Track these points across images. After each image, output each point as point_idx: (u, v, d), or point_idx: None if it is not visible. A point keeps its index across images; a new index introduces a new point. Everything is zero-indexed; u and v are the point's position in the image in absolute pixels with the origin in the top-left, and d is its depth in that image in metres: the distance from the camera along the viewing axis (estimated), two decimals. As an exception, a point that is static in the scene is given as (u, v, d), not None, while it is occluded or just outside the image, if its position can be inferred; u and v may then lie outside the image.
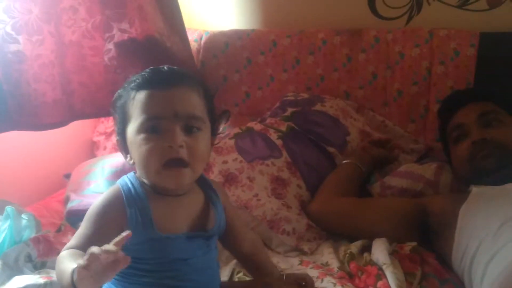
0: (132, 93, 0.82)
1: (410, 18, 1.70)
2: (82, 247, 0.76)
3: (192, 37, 1.86)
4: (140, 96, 0.81)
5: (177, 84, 0.82)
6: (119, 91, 0.85)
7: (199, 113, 0.83)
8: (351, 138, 1.53)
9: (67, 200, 1.40)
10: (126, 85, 0.84)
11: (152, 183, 0.83)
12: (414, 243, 1.16)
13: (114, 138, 1.73)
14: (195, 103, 0.83)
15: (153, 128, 0.79)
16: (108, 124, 1.83)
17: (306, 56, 1.75)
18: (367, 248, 1.19)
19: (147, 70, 0.84)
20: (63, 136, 1.50)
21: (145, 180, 0.84)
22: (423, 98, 1.63)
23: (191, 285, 0.85)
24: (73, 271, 0.67)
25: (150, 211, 0.81)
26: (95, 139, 1.83)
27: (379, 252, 1.13)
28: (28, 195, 1.51)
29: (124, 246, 0.75)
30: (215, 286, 0.91)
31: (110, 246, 0.65)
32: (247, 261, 1.01)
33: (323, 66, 1.73)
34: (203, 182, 0.91)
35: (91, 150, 1.83)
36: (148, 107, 0.80)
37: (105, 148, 1.77)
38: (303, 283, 1.00)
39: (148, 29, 1.61)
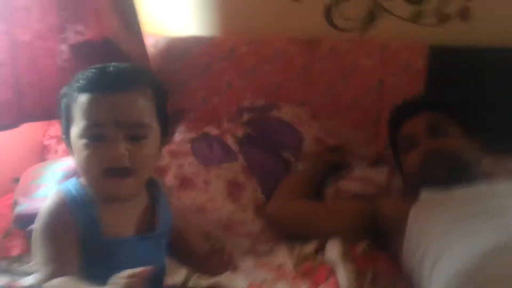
0: (75, 94, 0.78)
1: (364, 30, 1.75)
2: (64, 269, 0.74)
3: (148, 42, 1.85)
4: (82, 100, 0.77)
5: (122, 89, 0.78)
6: (64, 88, 0.82)
7: (145, 119, 0.80)
8: (306, 143, 1.55)
9: (15, 204, 1.35)
10: (71, 84, 0.81)
11: (94, 188, 0.80)
12: (366, 243, 1.20)
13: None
14: (140, 109, 0.79)
15: (94, 135, 0.77)
16: (59, 127, 1.78)
17: (264, 64, 1.77)
18: (321, 248, 1.21)
19: (93, 70, 0.80)
20: (12, 139, 1.45)
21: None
22: (375, 107, 1.68)
23: None
24: None
25: (96, 215, 0.79)
26: (46, 142, 1.78)
27: (332, 251, 1.16)
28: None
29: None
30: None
31: (131, 272, 0.67)
32: (187, 256, 1.00)
33: (280, 74, 1.76)
34: (147, 181, 0.88)
35: (42, 154, 1.77)
36: (90, 113, 0.77)
37: (56, 151, 1.73)
38: None
39: (104, 32, 1.59)
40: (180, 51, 1.84)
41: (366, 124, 1.69)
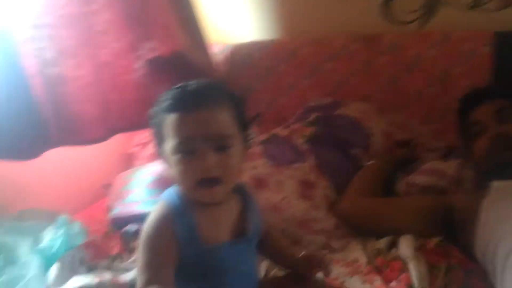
0: (163, 115, 0.85)
1: (424, 22, 1.75)
2: (159, 279, 0.82)
3: (214, 50, 1.94)
4: (171, 120, 0.83)
5: (204, 105, 0.83)
6: (153, 109, 0.89)
7: (229, 130, 0.85)
8: (374, 139, 1.57)
9: (109, 208, 1.50)
10: (158, 104, 0.87)
11: (190, 196, 0.87)
12: (439, 238, 1.21)
13: (152, 149, 1.83)
14: (224, 122, 0.85)
15: (186, 150, 0.83)
16: (142, 135, 1.92)
17: (325, 63, 1.82)
18: (394, 245, 1.24)
19: (176, 90, 0.86)
20: (101, 148, 1.59)
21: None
22: (441, 99, 1.68)
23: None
24: None
25: (195, 225, 0.85)
26: (132, 150, 1.92)
27: (405, 247, 1.18)
28: (71, 206, 1.59)
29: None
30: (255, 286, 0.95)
31: None
32: (275, 257, 1.05)
33: (342, 71, 1.79)
34: (237, 187, 0.93)
35: (129, 161, 1.90)
36: (179, 131, 0.83)
37: (142, 158, 1.86)
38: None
39: (174, 46, 1.69)
40: (243, 56, 1.93)
41: (433, 117, 1.69)
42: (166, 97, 0.86)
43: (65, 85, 1.46)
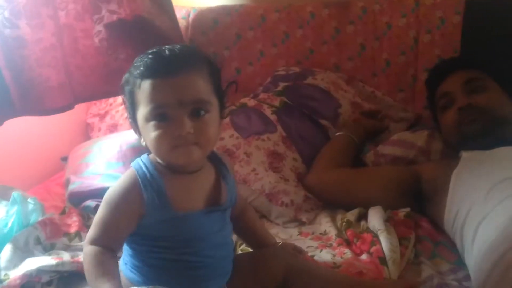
0: (137, 81, 0.82)
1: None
2: (107, 238, 0.83)
3: (180, 14, 1.85)
4: (145, 85, 0.81)
5: (180, 71, 0.81)
6: (125, 76, 0.86)
7: (205, 96, 0.83)
8: (343, 110, 1.56)
9: (67, 182, 1.42)
10: (131, 71, 0.85)
11: (165, 162, 0.86)
12: (407, 209, 1.21)
13: (110, 120, 1.76)
14: (200, 87, 0.83)
15: (160, 116, 0.81)
16: (101, 106, 1.83)
17: (295, 30, 1.77)
18: (363, 216, 1.24)
19: (150, 56, 0.83)
20: (56, 119, 1.50)
21: (158, 160, 0.87)
22: (411, 68, 1.67)
23: (209, 260, 0.88)
24: None
25: (165, 191, 0.84)
26: (89, 121, 1.84)
27: (375, 219, 1.17)
28: (26, 179, 1.52)
29: (142, 225, 0.82)
30: (230, 260, 0.94)
31: None
32: (246, 233, 1.05)
33: (312, 39, 1.75)
34: (213, 157, 0.93)
35: (86, 132, 1.83)
36: (154, 97, 0.81)
37: (99, 129, 1.78)
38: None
39: (137, 9, 1.60)
40: (210, 21, 1.85)
41: (402, 86, 1.68)
42: (139, 63, 0.83)
43: (24, 48, 1.35)
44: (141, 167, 0.86)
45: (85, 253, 0.84)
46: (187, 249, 0.86)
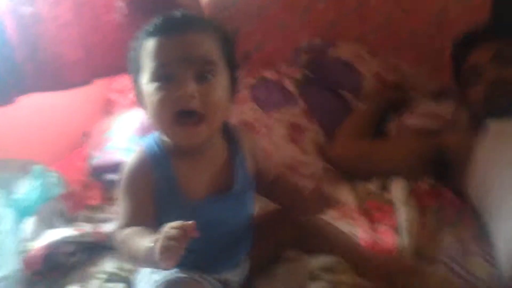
0: (143, 41, 0.77)
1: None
2: (133, 223, 0.77)
3: (200, -11, 1.83)
4: (150, 44, 0.76)
5: (188, 29, 0.76)
6: (131, 42, 0.82)
7: (212, 56, 0.77)
8: (366, 82, 1.52)
9: (89, 157, 1.43)
10: (138, 35, 0.80)
11: (169, 138, 0.80)
12: (431, 180, 1.19)
13: (132, 95, 1.76)
14: (207, 47, 0.77)
15: (164, 75, 0.75)
16: (122, 82, 1.83)
17: (317, 3, 1.72)
18: (385, 188, 1.22)
19: (159, 17, 0.79)
20: (78, 95, 1.51)
21: (164, 137, 0.82)
22: (437, 39, 1.61)
23: (220, 246, 0.84)
24: (150, 249, 0.67)
25: (175, 177, 0.79)
26: (111, 96, 1.84)
27: (398, 190, 1.16)
28: (49, 154, 1.52)
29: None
30: (247, 237, 0.90)
31: (176, 223, 0.66)
32: (273, 191, 0.94)
33: (335, 11, 1.70)
34: (226, 131, 0.86)
35: (107, 108, 1.83)
36: (158, 54, 0.75)
37: (121, 105, 1.78)
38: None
39: (157, -16, 1.59)
40: (231, -4, 1.82)
41: (428, 58, 1.63)
42: (147, 26, 0.79)
43: (40, 24, 1.35)
44: (150, 145, 0.82)
45: (118, 239, 0.78)
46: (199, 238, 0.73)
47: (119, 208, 0.81)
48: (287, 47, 1.73)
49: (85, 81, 1.50)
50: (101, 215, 1.15)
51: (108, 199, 1.24)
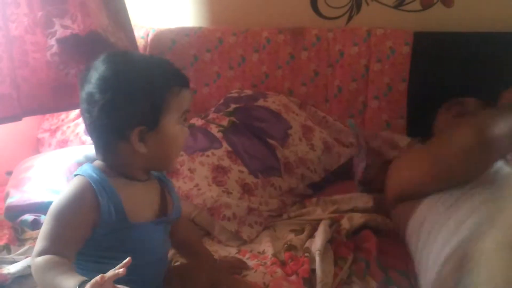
0: (176, 88, 0.87)
1: (350, 18, 1.77)
2: (58, 249, 0.77)
3: (138, 34, 1.88)
4: (179, 93, 0.87)
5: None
6: (147, 82, 0.85)
7: None
8: (293, 131, 1.56)
9: (6, 196, 1.38)
10: (154, 78, 0.85)
11: (168, 166, 0.94)
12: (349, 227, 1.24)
13: (61, 135, 1.73)
14: None
15: (184, 119, 0.91)
16: (52, 121, 1.81)
17: (251, 54, 1.80)
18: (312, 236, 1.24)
19: (170, 67, 0.89)
20: (7, 133, 1.47)
21: (107, 168, 0.86)
22: (361, 94, 1.70)
23: (149, 270, 0.89)
24: None
25: (120, 200, 0.83)
26: (40, 136, 1.81)
27: (318, 239, 1.18)
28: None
29: (92, 236, 0.79)
30: (162, 276, 0.95)
31: (111, 273, 0.69)
32: (182, 246, 1.05)
33: (268, 63, 1.78)
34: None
35: (36, 147, 1.80)
36: (185, 103, 0.89)
37: (49, 145, 1.76)
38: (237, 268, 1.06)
39: (91, 25, 1.61)
40: (169, 42, 1.87)
41: (353, 112, 1.71)
42: (172, 73, 0.88)
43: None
44: (92, 175, 0.83)
45: (34, 266, 0.77)
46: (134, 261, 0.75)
47: (42, 231, 0.80)
48: (220, 95, 1.78)
49: (14, 117, 1.47)
50: (6, 256, 1.11)
51: (19, 240, 1.19)
